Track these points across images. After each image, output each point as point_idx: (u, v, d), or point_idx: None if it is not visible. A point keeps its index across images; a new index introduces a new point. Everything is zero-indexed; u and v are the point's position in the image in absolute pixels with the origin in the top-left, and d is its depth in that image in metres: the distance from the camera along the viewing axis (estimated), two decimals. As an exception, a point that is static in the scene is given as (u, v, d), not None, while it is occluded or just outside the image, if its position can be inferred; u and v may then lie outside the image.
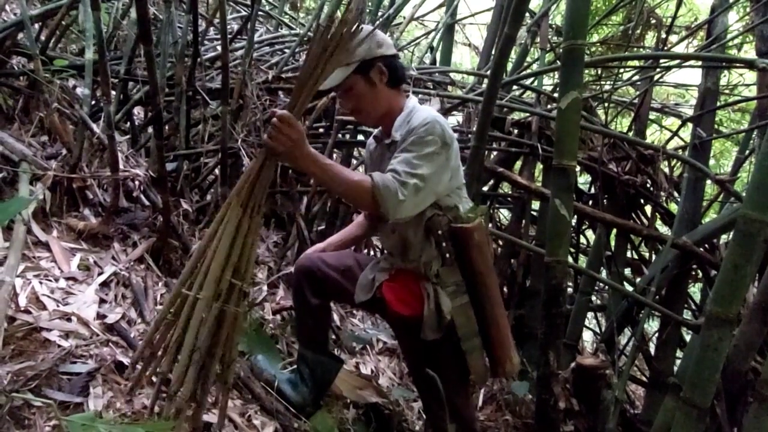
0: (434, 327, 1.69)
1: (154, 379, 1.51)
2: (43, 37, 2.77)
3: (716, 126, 3.48)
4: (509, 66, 3.52)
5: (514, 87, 3.63)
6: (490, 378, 2.00)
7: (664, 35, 3.63)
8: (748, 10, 3.51)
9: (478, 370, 1.76)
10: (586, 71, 3.77)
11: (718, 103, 3.21)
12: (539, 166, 3.60)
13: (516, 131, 3.45)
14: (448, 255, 1.71)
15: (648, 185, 3.28)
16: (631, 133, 3.53)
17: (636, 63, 3.90)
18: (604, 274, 3.45)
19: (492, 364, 1.80)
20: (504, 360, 1.79)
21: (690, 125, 3.20)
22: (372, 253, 3.28)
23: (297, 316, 2.09)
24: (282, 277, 2.80)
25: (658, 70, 3.45)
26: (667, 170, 3.36)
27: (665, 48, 3.61)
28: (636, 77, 3.75)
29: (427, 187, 1.61)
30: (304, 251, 2.16)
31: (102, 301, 1.89)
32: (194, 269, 1.48)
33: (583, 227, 4.07)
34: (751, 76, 3.93)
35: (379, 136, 1.88)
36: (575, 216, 3.16)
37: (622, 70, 3.90)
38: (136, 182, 2.39)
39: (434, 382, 1.68)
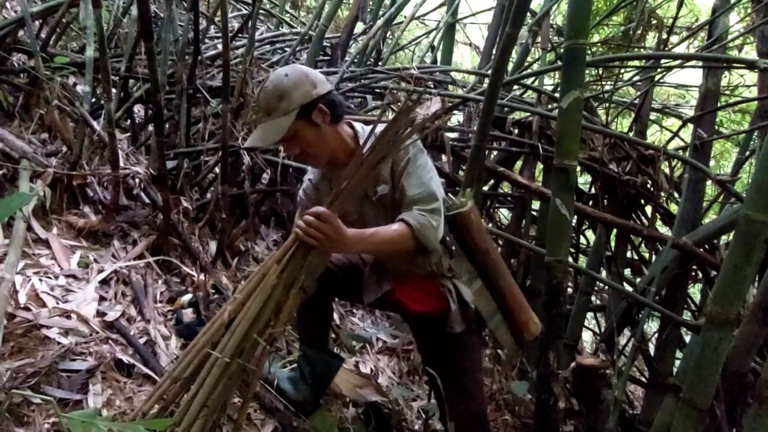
0: (460, 319, 1.74)
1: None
2: (43, 35, 2.77)
3: (717, 127, 3.48)
4: (510, 65, 3.51)
5: (515, 86, 3.63)
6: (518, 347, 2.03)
7: (665, 36, 3.63)
8: (749, 10, 3.51)
9: (508, 342, 1.84)
10: (587, 71, 3.76)
11: (719, 104, 3.21)
12: (540, 165, 3.59)
13: (517, 131, 3.45)
14: (453, 247, 1.76)
15: (648, 185, 3.28)
16: (631, 134, 3.53)
17: (637, 63, 3.89)
18: (604, 274, 3.45)
19: (516, 332, 1.85)
20: (526, 322, 1.85)
21: (690, 126, 3.19)
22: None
23: (299, 313, 2.07)
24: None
25: (659, 70, 3.44)
26: (667, 171, 3.36)
27: (666, 48, 3.60)
28: (637, 77, 3.74)
29: (441, 197, 1.67)
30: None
31: (102, 299, 1.89)
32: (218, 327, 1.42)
33: (584, 227, 4.07)
34: (751, 76, 3.92)
35: (328, 174, 1.79)
36: (575, 216, 3.15)
37: (623, 71, 3.89)
38: (137, 180, 2.39)
39: (451, 377, 1.73)
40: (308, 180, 1.87)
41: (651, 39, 4.03)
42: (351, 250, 1.67)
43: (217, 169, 2.83)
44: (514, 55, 3.50)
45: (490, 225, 4.04)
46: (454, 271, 1.76)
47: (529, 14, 3.78)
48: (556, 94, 2.99)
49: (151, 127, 2.85)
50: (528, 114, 3.34)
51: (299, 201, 1.88)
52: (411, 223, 1.59)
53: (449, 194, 1.83)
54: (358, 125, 1.78)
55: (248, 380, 1.46)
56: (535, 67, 3.82)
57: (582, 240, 4.14)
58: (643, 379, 3.44)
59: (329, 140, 1.69)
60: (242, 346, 1.38)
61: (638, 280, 3.45)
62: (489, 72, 2.66)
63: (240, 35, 3.73)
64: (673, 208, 3.37)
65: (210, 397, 1.35)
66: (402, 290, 1.78)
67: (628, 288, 3.43)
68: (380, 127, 1.49)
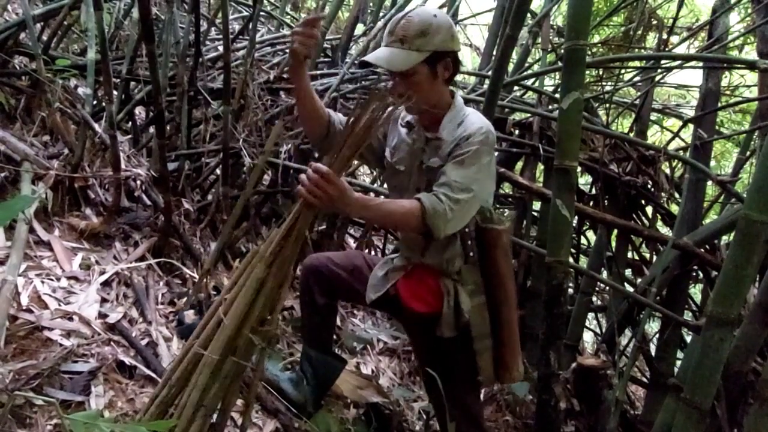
0: (452, 325, 1.70)
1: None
2: (45, 37, 2.78)
3: (717, 127, 3.48)
4: (510, 66, 3.51)
5: (516, 87, 3.63)
6: (496, 383, 1.99)
7: (665, 36, 3.63)
8: (749, 11, 3.51)
9: (487, 371, 1.76)
10: (588, 72, 3.76)
11: (720, 104, 3.21)
12: (540, 166, 3.59)
13: (517, 132, 3.45)
14: (472, 254, 1.71)
15: (649, 186, 3.28)
16: (632, 134, 3.52)
17: (637, 64, 3.89)
18: (605, 274, 3.45)
19: (499, 368, 1.79)
20: (512, 365, 1.78)
21: (691, 126, 3.19)
22: (373, 253, 3.28)
23: (303, 315, 2.08)
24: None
25: (659, 70, 3.45)
26: (668, 171, 3.36)
27: (666, 49, 3.60)
28: (637, 78, 3.74)
29: (476, 198, 1.61)
30: (304, 251, 2.16)
31: (103, 301, 1.89)
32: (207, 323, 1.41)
33: (584, 228, 4.07)
34: (752, 77, 3.92)
35: (414, 124, 1.78)
36: (576, 216, 3.15)
37: (623, 71, 3.89)
38: (138, 182, 2.40)
39: (443, 380, 1.69)
40: (403, 122, 1.81)
41: (651, 39, 4.03)
42: (354, 213, 1.59)
43: (218, 171, 2.83)
44: (514, 56, 3.51)
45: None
46: (462, 277, 1.72)
47: (529, 15, 3.78)
48: (557, 95, 2.99)
49: (152, 129, 2.86)
50: (528, 115, 3.34)
51: None
52: (425, 204, 1.53)
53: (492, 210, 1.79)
54: (459, 99, 1.75)
55: (247, 380, 1.45)
56: (536, 68, 3.82)
57: (583, 240, 4.14)
58: (644, 380, 3.44)
59: (435, 95, 1.68)
60: (234, 344, 1.36)
61: (639, 280, 3.45)
62: (489, 73, 2.67)
63: (241, 37, 3.73)
64: (674, 208, 3.37)
65: (205, 396, 1.34)
66: (405, 285, 1.75)
67: (629, 288, 3.43)
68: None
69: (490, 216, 1.72)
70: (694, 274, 3.12)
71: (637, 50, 3.93)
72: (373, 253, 3.28)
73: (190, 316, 2.03)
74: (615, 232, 3.45)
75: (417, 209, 1.53)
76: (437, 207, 1.53)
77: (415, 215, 1.53)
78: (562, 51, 2.19)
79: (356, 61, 2.85)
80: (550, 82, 4.26)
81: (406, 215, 1.53)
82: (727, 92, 4.03)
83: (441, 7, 4.82)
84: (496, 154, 3.49)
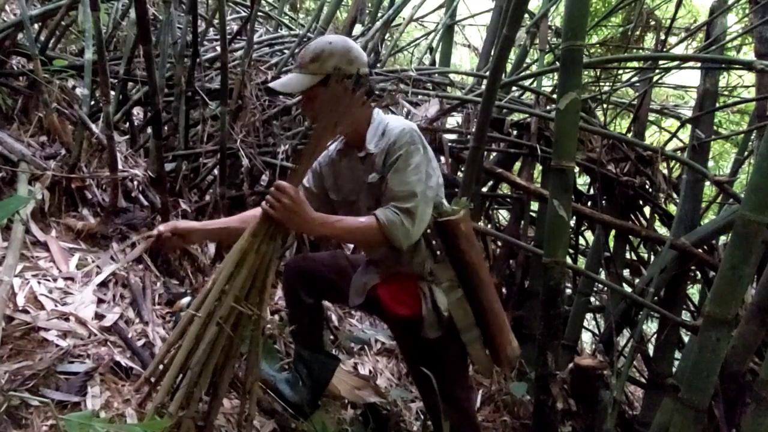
0: (434, 325, 1.71)
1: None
2: (42, 38, 2.77)
3: (715, 127, 3.48)
4: (508, 67, 3.52)
5: (513, 88, 3.64)
6: (495, 367, 2.00)
7: (663, 36, 3.63)
8: (747, 11, 3.51)
9: (481, 360, 1.79)
10: (585, 72, 3.77)
11: (717, 105, 3.21)
12: (538, 167, 3.60)
13: (515, 132, 3.45)
14: (439, 252, 1.73)
15: (647, 186, 3.28)
16: (630, 134, 3.53)
17: (635, 64, 3.90)
18: (602, 275, 3.45)
19: (493, 353, 1.81)
20: (504, 345, 1.80)
21: (689, 126, 3.20)
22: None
23: (291, 315, 2.09)
24: (280, 277, 2.79)
25: (657, 71, 3.45)
26: (665, 171, 3.36)
27: (664, 49, 3.61)
28: (635, 78, 3.75)
29: (425, 200, 1.65)
30: (303, 251, 2.16)
31: (100, 301, 1.89)
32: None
33: (582, 228, 4.08)
34: (750, 77, 3.93)
35: (343, 149, 1.84)
36: (574, 217, 3.16)
37: (621, 72, 3.90)
38: (135, 182, 2.39)
39: (428, 380, 1.69)
40: (317, 163, 1.88)
41: (649, 40, 4.03)
42: (314, 231, 1.65)
43: (215, 172, 2.83)
44: (512, 56, 3.51)
45: (489, 226, 4.04)
46: (435, 276, 1.73)
47: (527, 16, 3.79)
48: (554, 96, 2.99)
49: (149, 130, 2.85)
50: (526, 115, 3.35)
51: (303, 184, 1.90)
52: (379, 218, 1.60)
53: (445, 200, 1.81)
54: (378, 111, 1.80)
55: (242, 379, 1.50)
56: (534, 68, 3.83)
57: (581, 241, 4.15)
58: (643, 380, 3.45)
59: (348, 115, 1.67)
60: (221, 311, 1.45)
61: (637, 280, 3.46)
62: (487, 73, 2.67)
63: (239, 37, 3.73)
64: (672, 208, 3.37)
65: (190, 358, 1.43)
66: (385, 290, 1.77)
67: (627, 289, 3.43)
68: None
69: (444, 209, 1.75)
70: (692, 274, 3.13)
71: (635, 51, 3.93)
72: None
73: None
74: (613, 232, 3.45)
75: (374, 223, 1.60)
76: (393, 218, 1.60)
77: (374, 229, 1.60)
78: (560, 51, 2.19)
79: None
80: (548, 83, 4.27)
81: (365, 230, 1.62)
82: (725, 93, 4.03)
83: (439, 8, 4.83)
84: (493, 154, 3.55)
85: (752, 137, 3.17)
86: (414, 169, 1.64)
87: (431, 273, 1.73)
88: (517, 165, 3.69)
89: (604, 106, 3.53)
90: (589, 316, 4.06)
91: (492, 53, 3.59)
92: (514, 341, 1.84)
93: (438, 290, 1.72)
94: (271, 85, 1.76)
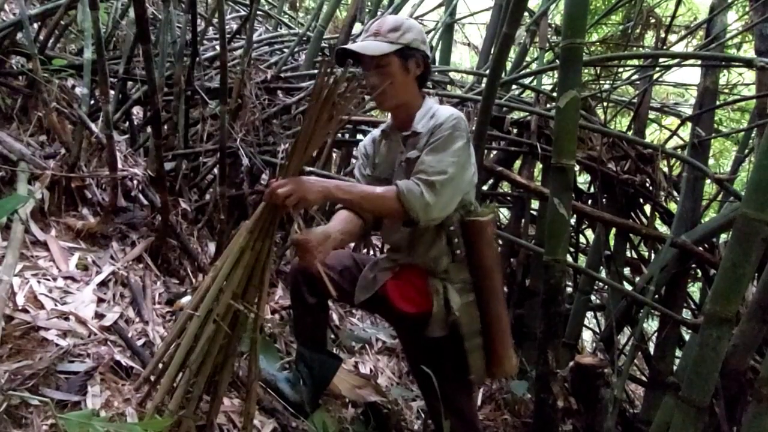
0: (442, 324, 1.70)
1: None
2: (41, 37, 2.77)
3: (715, 125, 3.48)
4: (508, 65, 3.51)
5: (513, 86, 3.63)
6: (488, 379, 1.99)
7: (663, 34, 3.63)
8: (747, 9, 3.50)
9: (478, 369, 1.77)
10: (585, 70, 3.77)
11: (717, 102, 3.21)
12: (538, 165, 3.59)
13: (515, 130, 3.45)
14: (458, 251, 1.72)
15: (647, 184, 3.28)
16: (630, 133, 3.53)
17: (635, 62, 3.90)
18: (603, 273, 3.45)
19: (491, 363, 1.79)
20: (503, 359, 1.79)
21: (689, 124, 3.20)
22: (372, 252, 3.28)
23: (295, 314, 2.08)
24: (281, 276, 2.79)
25: (657, 69, 3.44)
26: (666, 169, 3.36)
27: (664, 47, 3.60)
28: (635, 76, 3.74)
29: (454, 184, 1.64)
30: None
31: (100, 301, 1.89)
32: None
33: (583, 226, 4.07)
34: (750, 75, 3.92)
35: (388, 131, 1.86)
36: (574, 215, 3.15)
37: (621, 70, 3.89)
38: (135, 182, 2.39)
39: (430, 381, 1.68)
40: (362, 146, 1.93)
41: (649, 38, 4.03)
42: (330, 195, 1.58)
43: (215, 171, 2.83)
44: (512, 54, 3.50)
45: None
46: (450, 275, 1.73)
47: (527, 14, 3.78)
48: (554, 94, 2.98)
49: (149, 129, 2.85)
50: (526, 113, 3.34)
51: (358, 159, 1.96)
52: (399, 186, 1.59)
53: (475, 201, 1.80)
54: (432, 100, 1.83)
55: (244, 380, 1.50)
56: (533, 66, 3.82)
57: (581, 239, 4.14)
58: (643, 378, 3.45)
59: (406, 92, 1.75)
60: (218, 308, 1.47)
61: (637, 279, 3.46)
62: (487, 72, 2.66)
63: (238, 36, 3.73)
64: (672, 206, 3.37)
65: (189, 357, 1.44)
66: (394, 286, 1.76)
67: (628, 287, 3.43)
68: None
69: (473, 209, 1.75)
70: (693, 272, 3.13)
71: (635, 48, 3.93)
72: (371, 252, 3.27)
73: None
74: (613, 230, 3.45)
75: (392, 191, 1.60)
76: (412, 188, 1.58)
77: (391, 197, 1.59)
78: (560, 49, 2.19)
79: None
80: (547, 81, 4.26)
81: (383, 197, 1.61)
82: (725, 90, 4.03)
83: (438, 6, 4.82)
84: (493, 152, 3.54)
85: (752, 135, 3.16)
86: (452, 153, 1.64)
87: (445, 271, 1.73)
88: (518, 163, 3.69)
89: (605, 104, 3.53)
90: (589, 314, 4.06)
91: (492, 51, 3.58)
92: (514, 357, 1.83)
93: (451, 289, 1.71)
94: (348, 46, 1.71)
